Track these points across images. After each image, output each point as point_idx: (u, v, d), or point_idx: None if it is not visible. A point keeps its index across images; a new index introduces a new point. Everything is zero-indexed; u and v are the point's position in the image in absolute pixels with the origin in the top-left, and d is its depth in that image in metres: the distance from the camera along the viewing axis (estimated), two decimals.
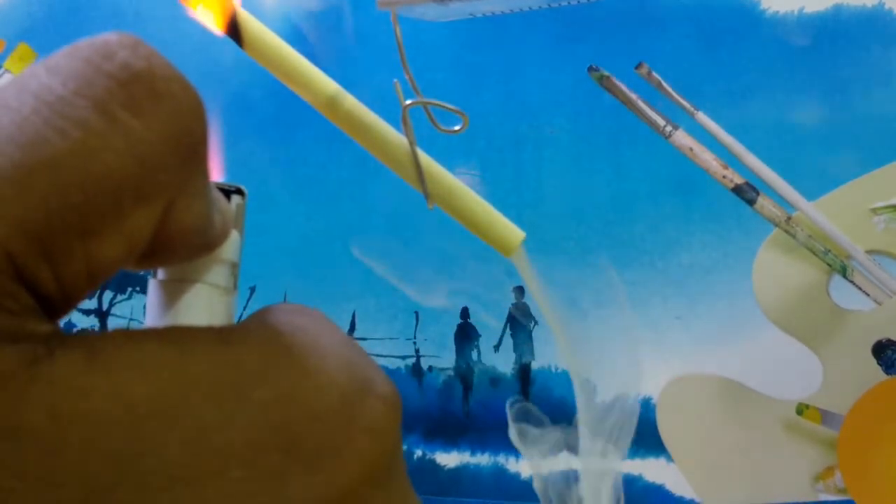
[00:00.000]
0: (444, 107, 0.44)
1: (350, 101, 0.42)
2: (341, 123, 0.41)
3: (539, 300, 0.67)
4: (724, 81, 0.85)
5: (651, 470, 0.84)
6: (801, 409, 0.82)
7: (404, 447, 0.86)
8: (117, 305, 0.91)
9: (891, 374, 0.81)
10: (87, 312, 0.91)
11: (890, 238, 0.82)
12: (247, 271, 0.90)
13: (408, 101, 0.44)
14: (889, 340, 0.81)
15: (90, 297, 0.91)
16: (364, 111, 0.42)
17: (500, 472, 0.85)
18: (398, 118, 0.46)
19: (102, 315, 0.91)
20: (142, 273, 0.91)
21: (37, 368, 0.20)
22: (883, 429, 0.80)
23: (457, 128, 0.44)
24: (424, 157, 0.43)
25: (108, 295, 0.91)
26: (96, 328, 0.91)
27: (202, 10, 0.35)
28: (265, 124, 0.90)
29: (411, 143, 0.43)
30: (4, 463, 0.19)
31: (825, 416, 0.81)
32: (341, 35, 0.90)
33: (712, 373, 0.83)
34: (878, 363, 0.81)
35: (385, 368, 0.87)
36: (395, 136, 0.44)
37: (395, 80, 0.45)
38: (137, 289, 0.91)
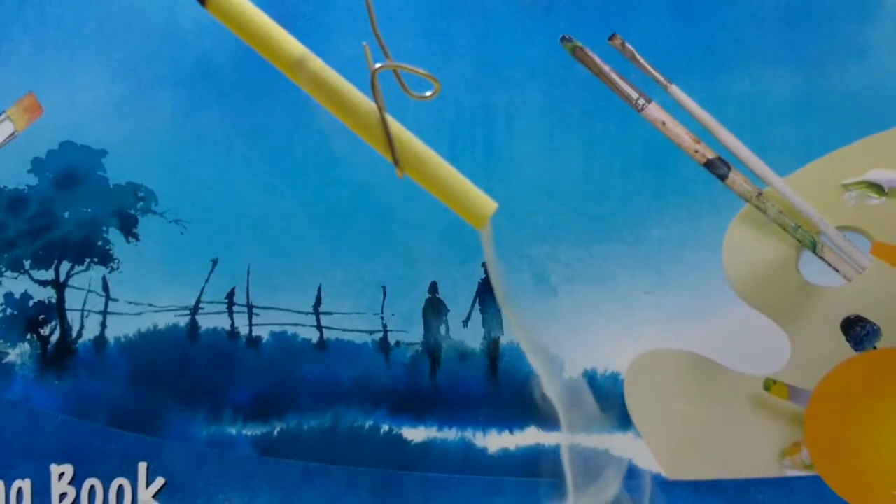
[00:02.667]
0: (414, 71, 0.42)
1: (317, 63, 0.41)
2: (308, 87, 0.40)
3: (493, 277, 0.66)
4: (698, 54, 0.84)
5: (618, 444, 0.84)
6: (769, 385, 0.82)
7: (371, 422, 0.86)
8: (74, 276, 0.89)
9: (859, 350, 0.81)
10: (43, 283, 0.89)
11: (861, 214, 0.82)
12: (209, 243, 0.88)
13: (377, 65, 0.43)
14: (858, 317, 0.81)
15: (46, 268, 0.89)
16: (331, 74, 0.41)
17: (467, 447, 0.85)
18: (367, 85, 0.45)
19: (59, 286, 0.89)
20: (99, 244, 0.89)
21: None
22: (850, 405, 0.80)
23: (428, 94, 0.43)
24: (394, 124, 0.42)
25: (65, 266, 0.89)
26: (53, 300, 0.89)
27: None
28: (228, 91, 0.88)
29: (381, 109, 0.42)
30: None
31: (792, 392, 0.81)
32: None
33: (680, 348, 0.83)
34: (847, 339, 0.81)
35: (351, 343, 0.86)
36: (364, 102, 0.42)
37: (365, 42, 0.44)
38: (95, 260, 0.89)
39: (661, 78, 0.83)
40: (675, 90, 0.83)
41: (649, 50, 0.84)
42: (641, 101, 0.83)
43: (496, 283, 0.70)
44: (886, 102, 0.82)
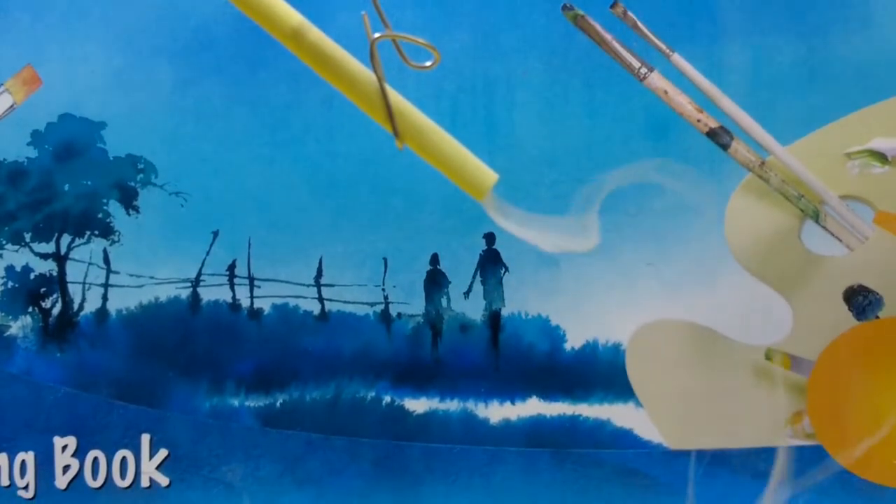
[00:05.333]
0: (414, 41, 0.42)
1: (315, 33, 0.40)
2: (306, 57, 0.39)
3: (523, 236, 0.66)
4: (700, 23, 0.83)
5: (619, 415, 0.84)
6: (771, 355, 0.82)
7: (373, 393, 0.86)
8: (75, 249, 0.89)
9: (861, 319, 0.81)
10: (44, 256, 0.89)
11: (864, 183, 0.81)
12: (209, 216, 0.88)
13: (376, 35, 0.42)
14: (860, 286, 0.81)
15: (47, 241, 0.89)
16: (330, 44, 0.40)
17: (468, 418, 0.85)
18: (366, 55, 0.45)
19: (60, 259, 0.89)
20: (100, 216, 0.89)
21: None
22: (852, 374, 0.80)
23: (428, 63, 0.43)
24: (394, 94, 0.42)
25: (65, 238, 0.89)
26: (54, 272, 0.89)
27: None
28: (227, 63, 0.87)
29: (380, 79, 0.42)
30: None
31: (794, 362, 0.82)
32: None
33: (682, 318, 0.83)
34: (849, 309, 0.81)
35: (353, 315, 0.86)
36: (364, 72, 0.42)
37: (364, 12, 0.43)
38: (96, 232, 0.89)
39: (663, 47, 0.83)
40: (677, 59, 0.83)
41: (651, 18, 0.83)
42: (643, 70, 0.82)
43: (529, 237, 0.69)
44: (890, 71, 0.82)
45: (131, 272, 0.88)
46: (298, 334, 0.87)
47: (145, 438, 0.87)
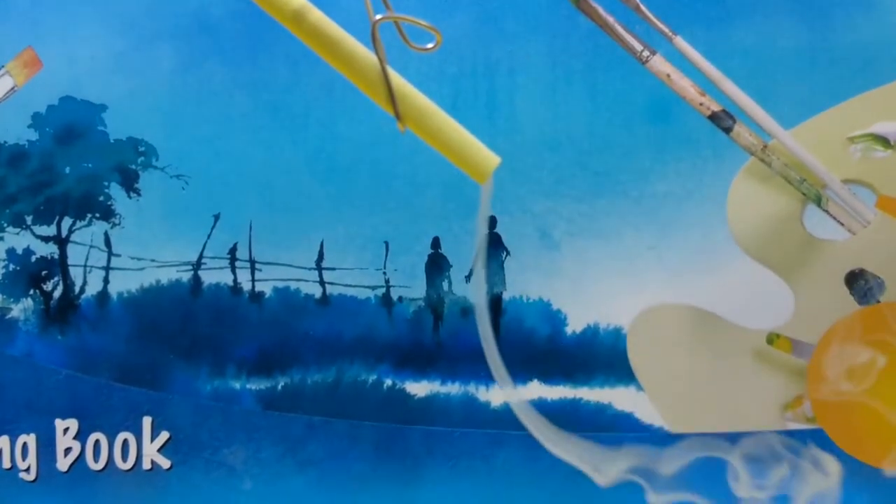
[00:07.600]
0: (416, 23, 0.42)
1: (316, 14, 0.40)
2: (307, 39, 0.39)
3: (481, 233, 0.66)
4: (703, 5, 0.83)
5: (620, 399, 0.84)
6: (772, 339, 0.82)
7: (374, 376, 0.86)
8: (76, 232, 0.89)
9: (863, 304, 0.81)
10: (45, 239, 0.89)
11: (866, 167, 0.81)
12: (210, 199, 0.88)
13: (378, 16, 0.42)
14: (862, 270, 0.81)
15: (48, 224, 0.89)
16: (332, 26, 0.40)
17: (469, 402, 0.85)
18: (368, 37, 0.45)
19: (62, 242, 0.89)
20: (101, 199, 0.89)
21: None
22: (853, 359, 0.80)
23: (430, 46, 0.42)
24: (396, 77, 0.42)
25: (67, 221, 0.89)
26: (55, 255, 0.89)
27: None
28: (228, 45, 0.87)
29: (382, 62, 0.42)
30: None
31: (796, 346, 0.82)
32: None
33: (684, 302, 0.83)
34: (851, 293, 0.81)
35: (354, 299, 0.86)
36: (365, 54, 0.42)
37: None
38: (97, 215, 0.89)
39: (665, 29, 0.82)
40: (679, 42, 0.82)
41: (654, 1, 0.83)
42: (646, 53, 0.82)
43: (482, 239, 0.69)
44: (893, 55, 0.81)
45: (132, 255, 0.88)
46: (299, 318, 0.87)
47: (147, 421, 0.87)
